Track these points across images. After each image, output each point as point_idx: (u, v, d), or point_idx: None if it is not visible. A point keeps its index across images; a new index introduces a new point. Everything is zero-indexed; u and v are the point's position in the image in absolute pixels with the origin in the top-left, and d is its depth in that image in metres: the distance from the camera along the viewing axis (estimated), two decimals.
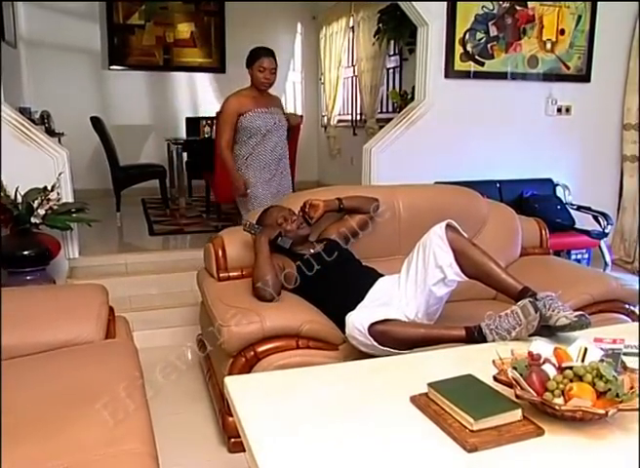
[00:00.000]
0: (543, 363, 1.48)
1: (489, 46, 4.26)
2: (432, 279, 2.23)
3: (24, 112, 5.24)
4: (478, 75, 4.27)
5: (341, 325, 2.23)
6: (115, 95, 6.99)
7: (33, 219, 3.24)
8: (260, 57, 3.33)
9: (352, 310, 2.23)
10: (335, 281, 2.40)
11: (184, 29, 7.19)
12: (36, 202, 3.25)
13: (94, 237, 4.26)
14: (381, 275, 2.48)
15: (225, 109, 3.44)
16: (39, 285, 3.17)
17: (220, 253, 2.60)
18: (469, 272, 2.23)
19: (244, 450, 1.38)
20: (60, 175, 3.50)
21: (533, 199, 4.27)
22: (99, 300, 2.20)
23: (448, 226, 2.26)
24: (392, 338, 2.01)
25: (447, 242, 2.21)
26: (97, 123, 5.43)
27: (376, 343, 2.00)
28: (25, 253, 3.19)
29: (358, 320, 2.05)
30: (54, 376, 1.77)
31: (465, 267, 2.21)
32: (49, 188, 3.31)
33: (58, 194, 3.38)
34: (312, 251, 2.55)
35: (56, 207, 3.33)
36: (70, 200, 3.63)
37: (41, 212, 3.26)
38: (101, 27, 6.87)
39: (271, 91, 3.52)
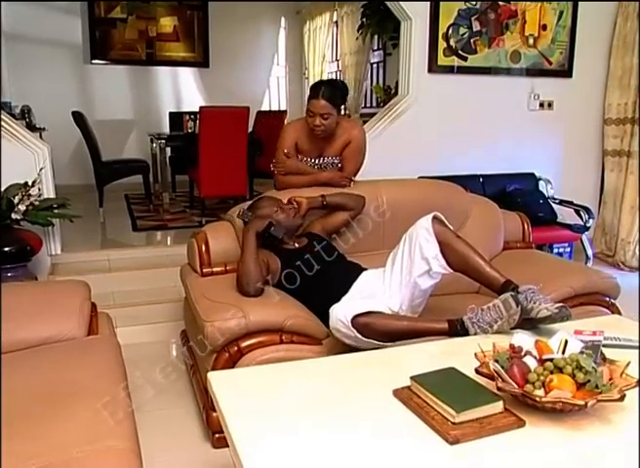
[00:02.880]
0: (525, 355, 1.49)
1: (472, 41, 4.28)
2: (417, 271, 2.24)
3: (4, 107, 5.17)
4: (461, 70, 4.29)
5: (326, 319, 2.24)
6: (97, 89, 6.92)
7: (14, 215, 3.21)
8: (311, 98, 2.70)
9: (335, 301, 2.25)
10: (319, 275, 2.40)
11: (167, 23, 7.13)
12: (17, 198, 3.22)
13: (76, 233, 4.22)
14: (365, 269, 2.49)
15: (281, 141, 2.89)
16: (20, 281, 3.14)
17: (204, 248, 2.58)
18: (454, 265, 2.24)
19: (228, 446, 1.38)
20: (41, 170, 3.46)
21: (515, 193, 4.30)
22: (81, 297, 2.18)
23: (434, 218, 2.28)
24: (375, 330, 2.02)
25: (433, 234, 2.23)
26: (78, 118, 5.36)
27: (359, 335, 2.01)
28: (6, 249, 3.15)
29: (342, 312, 2.06)
30: (36, 373, 1.76)
31: (450, 260, 2.23)
32: (30, 184, 3.27)
33: (39, 190, 3.35)
34: (297, 245, 2.54)
35: (37, 202, 3.30)
36: (52, 196, 3.60)
37: (22, 207, 3.23)
38: (83, 21, 6.78)
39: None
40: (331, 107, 2.68)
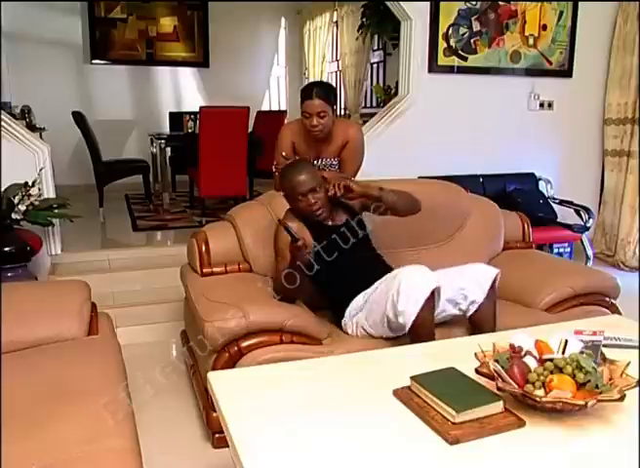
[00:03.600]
0: (525, 355, 1.49)
1: (472, 41, 4.28)
2: (450, 295, 2.23)
3: (4, 107, 5.18)
4: (461, 70, 4.29)
5: (338, 308, 2.29)
6: (97, 89, 6.92)
7: (14, 215, 3.21)
8: (304, 99, 2.67)
9: (355, 295, 2.30)
10: (345, 263, 2.33)
11: (167, 23, 7.13)
12: (17, 198, 3.22)
13: (76, 233, 4.21)
14: (391, 268, 2.40)
15: (278, 143, 2.87)
16: (20, 281, 3.13)
17: (204, 248, 2.58)
18: (473, 317, 2.25)
19: (228, 446, 1.38)
20: (40, 170, 3.46)
21: (516, 193, 4.30)
22: (81, 297, 2.18)
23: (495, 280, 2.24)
24: (429, 314, 2.05)
25: (487, 288, 2.20)
26: (79, 118, 5.36)
27: (422, 303, 2.00)
28: (6, 249, 3.14)
29: (431, 273, 2.06)
30: (36, 374, 1.76)
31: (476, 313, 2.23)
32: (30, 184, 3.27)
33: (39, 190, 3.34)
34: (330, 223, 2.42)
35: (37, 202, 3.30)
36: (52, 196, 3.60)
37: (22, 207, 3.23)
38: (83, 21, 6.79)
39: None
40: (326, 105, 2.65)
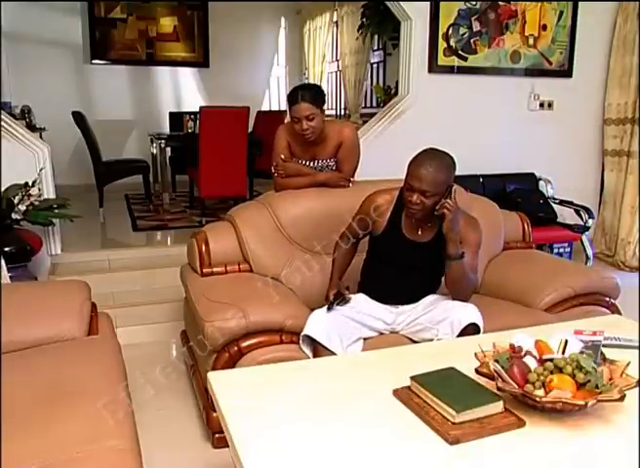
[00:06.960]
0: (525, 355, 1.49)
1: (472, 41, 4.28)
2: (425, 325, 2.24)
3: (4, 107, 5.18)
4: (461, 70, 4.29)
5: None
6: (97, 89, 6.92)
7: (14, 215, 3.21)
8: (291, 104, 2.66)
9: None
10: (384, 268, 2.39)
11: (167, 23, 7.12)
12: (17, 198, 3.22)
13: (76, 233, 4.22)
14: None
15: (275, 145, 2.86)
16: (20, 281, 3.13)
17: (204, 248, 2.58)
18: None
19: (228, 446, 1.38)
20: (41, 170, 3.47)
21: (515, 193, 4.30)
22: (81, 297, 2.18)
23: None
24: None
25: (458, 333, 2.14)
26: (79, 118, 5.36)
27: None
28: (6, 249, 3.14)
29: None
30: (36, 373, 1.76)
31: None
32: (30, 184, 3.27)
33: (39, 190, 3.35)
34: (408, 234, 2.36)
35: (37, 202, 3.30)
36: (52, 196, 3.60)
37: (22, 207, 3.23)
38: (83, 21, 6.78)
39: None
40: (313, 108, 2.64)
